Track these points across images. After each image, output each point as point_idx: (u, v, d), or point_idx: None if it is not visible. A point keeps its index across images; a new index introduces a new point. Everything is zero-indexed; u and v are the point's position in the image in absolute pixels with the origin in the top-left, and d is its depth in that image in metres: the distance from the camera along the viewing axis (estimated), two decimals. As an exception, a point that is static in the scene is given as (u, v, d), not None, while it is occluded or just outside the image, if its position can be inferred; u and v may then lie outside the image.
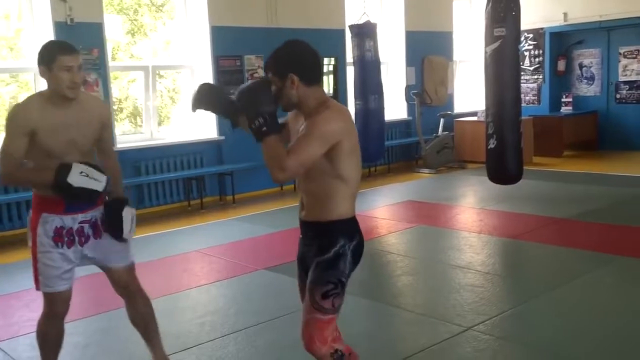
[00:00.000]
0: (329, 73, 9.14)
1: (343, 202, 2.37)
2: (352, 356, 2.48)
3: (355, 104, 8.50)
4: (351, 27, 8.48)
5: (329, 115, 2.28)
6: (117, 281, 3.05)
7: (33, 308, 4.05)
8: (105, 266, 3.02)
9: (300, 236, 2.54)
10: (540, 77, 11.69)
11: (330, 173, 2.32)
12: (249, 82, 2.32)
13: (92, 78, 6.81)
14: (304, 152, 2.22)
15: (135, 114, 8.53)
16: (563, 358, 3.31)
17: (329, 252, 2.37)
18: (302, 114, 2.37)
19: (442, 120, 10.25)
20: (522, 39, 11.21)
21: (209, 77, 7.93)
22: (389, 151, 10.03)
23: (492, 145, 6.80)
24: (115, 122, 7.60)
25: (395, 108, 10.35)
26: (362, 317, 3.98)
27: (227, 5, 8.01)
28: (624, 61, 11.02)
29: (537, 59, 11.69)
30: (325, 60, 8.96)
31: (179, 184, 7.71)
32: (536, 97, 11.77)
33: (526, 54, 11.68)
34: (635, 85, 10.93)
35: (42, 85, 4.29)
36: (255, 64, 8.26)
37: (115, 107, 7.76)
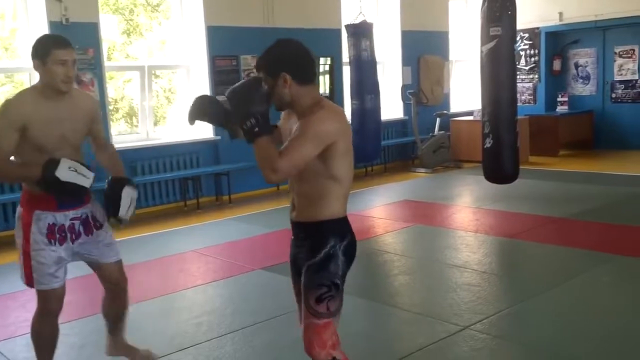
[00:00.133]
0: (325, 73, 9.14)
1: (335, 202, 2.34)
2: None
3: (352, 104, 8.51)
4: (347, 26, 8.48)
5: (324, 115, 2.24)
6: (109, 278, 3.05)
7: (29, 308, 4.01)
8: (96, 263, 3.02)
9: (292, 237, 2.49)
10: (536, 76, 11.71)
11: (324, 174, 2.28)
12: (241, 81, 2.29)
13: (87, 78, 6.80)
14: (297, 153, 2.17)
15: (131, 114, 8.52)
16: (561, 357, 3.31)
17: (320, 253, 2.33)
18: (296, 114, 2.32)
19: (438, 119, 10.26)
20: (518, 38, 11.23)
21: (205, 77, 7.93)
22: (385, 151, 10.04)
23: (488, 145, 6.80)
24: (111, 122, 7.58)
25: (391, 108, 10.35)
26: (359, 316, 3.97)
27: (223, 5, 8.00)
28: (619, 61, 11.05)
29: (532, 59, 11.71)
30: (322, 60, 8.97)
31: (175, 184, 7.70)
32: (532, 97, 11.79)
33: (522, 53, 11.70)
34: (630, 84, 10.96)
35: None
36: (251, 64, 8.24)
37: (111, 107, 7.74)
